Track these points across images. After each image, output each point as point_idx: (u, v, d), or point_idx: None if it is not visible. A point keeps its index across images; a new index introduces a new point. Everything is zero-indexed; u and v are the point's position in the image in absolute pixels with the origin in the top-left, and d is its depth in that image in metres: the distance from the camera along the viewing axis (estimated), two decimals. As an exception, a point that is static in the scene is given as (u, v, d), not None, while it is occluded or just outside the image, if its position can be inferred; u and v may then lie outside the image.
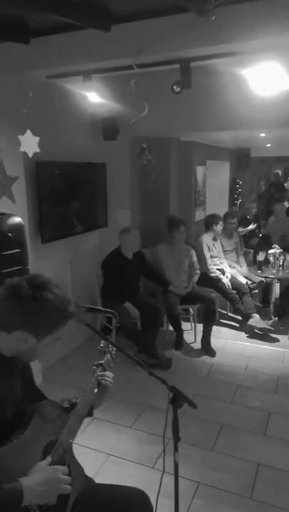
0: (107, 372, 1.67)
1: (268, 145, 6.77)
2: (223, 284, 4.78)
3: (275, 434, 2.97)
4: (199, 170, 5.48)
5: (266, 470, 2.61)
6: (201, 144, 5.50)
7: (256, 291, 5.38)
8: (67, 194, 4.07)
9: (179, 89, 2.45)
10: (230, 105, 3.29)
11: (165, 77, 2.79)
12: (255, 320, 4.67)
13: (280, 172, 15.80)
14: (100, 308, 1.67)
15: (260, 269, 5.01)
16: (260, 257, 5.02)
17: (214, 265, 4.98)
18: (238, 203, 7.61)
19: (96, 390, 1.59)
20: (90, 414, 1.60)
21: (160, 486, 1.68)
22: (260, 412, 3.24)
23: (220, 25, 2.05)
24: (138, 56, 2.27)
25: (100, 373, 1.60)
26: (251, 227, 6.86)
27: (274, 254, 5.00)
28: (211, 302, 4.36)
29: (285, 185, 14.03)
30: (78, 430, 1.44)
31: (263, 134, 4.79)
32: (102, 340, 1.75)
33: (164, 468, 1.79)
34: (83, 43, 2.48)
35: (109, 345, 1.74)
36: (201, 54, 2.30)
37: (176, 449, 1.81)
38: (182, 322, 4.44)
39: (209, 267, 4.85)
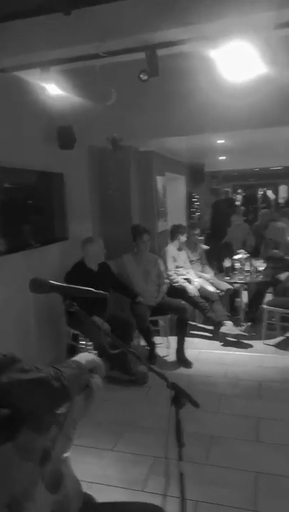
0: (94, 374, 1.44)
1: (222, 158, 6.93)
2: (193, 295, 4.66)
3: (268, 440, 2.79)
4: (159, 180, 5.43)
5: (266, 478, 2.40)
6: (160, 155, 5.47)
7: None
8: (22, 204, 3.79)
9: (146, 77, 2.35)
10: (192, 107, 3.22)
11: (122, 80, 2.70)
12: (228, 327, 4.56)
13: (229, 190, 16.48)
14: (87, 288, 1.42)
15: (227, 275, 4.95)
16: (227, 263, 4.97)
17: (180, 275, 4.88)
18: (196, 216, 7.67)
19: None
20: None
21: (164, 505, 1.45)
22: (248, 419, 3.05)
23: (186, 4, 1.98)
24: (102, 41, 2.15)
25: None
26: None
27: (240, 260, 4.98)
28: (183, 311, 4.19)
29: (237, 203, 14.59)
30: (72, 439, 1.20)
31: (221, 141, 4.84)
32: (83, 337, 1.52)
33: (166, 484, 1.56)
34: (41, 29, 2.32)
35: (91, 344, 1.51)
36: (167, 39, 2.22)
37: (180, 458, 1.58)
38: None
39: (171, 278, 4.73)
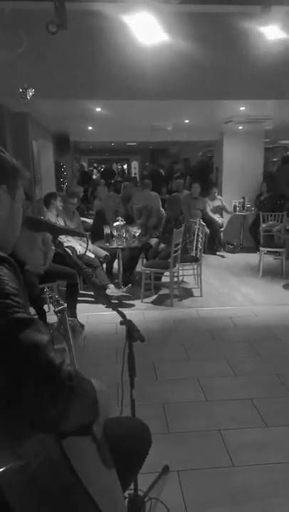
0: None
1: (90, 128, 6.97)
2: (76, 259, 4.76)
3: (165, 377, 3.21)
4: (34, 145, 5.21)
5: (171, 407, 2.80)
6: (33, 118, 5.23)
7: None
8: None
9: (54, 29, 2.28)
10: (94, 70, 3.15)
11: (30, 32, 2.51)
12: (111, 290, 4.84)
13: (85, 164, 16.66)
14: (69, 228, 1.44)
15: (108, 241, 5.18)
16: (107, 230, 5.19)
17: (64, 243, 4.91)
18: (65, 186, 7.62)
19: None
20: None
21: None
22: (145, 364, 3.41)
23: None
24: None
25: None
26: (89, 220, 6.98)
27: (118, 227, 5.26)
28: (73, 275, 4.28)
29: (94, 176, 14.90)
30: None
31: (98, 109, 4.90)
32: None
33: (121, 409, 1.76)
34: None
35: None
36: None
37: (132, 386, 1.78)
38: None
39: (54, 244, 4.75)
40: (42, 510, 0.80)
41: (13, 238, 1.03)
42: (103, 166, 16.25)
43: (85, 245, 5.29)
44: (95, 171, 17.03)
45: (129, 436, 1.41)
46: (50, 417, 0.70)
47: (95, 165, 16.55)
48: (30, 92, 2.81)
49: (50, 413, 0.70)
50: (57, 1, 2.22)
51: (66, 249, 4.77)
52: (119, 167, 15.89)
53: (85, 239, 5.47)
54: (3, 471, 0.78)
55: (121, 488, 1.15)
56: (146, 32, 2.45)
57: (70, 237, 5.08)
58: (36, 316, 4.17)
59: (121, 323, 1.65)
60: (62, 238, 4.95)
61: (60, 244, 1.36)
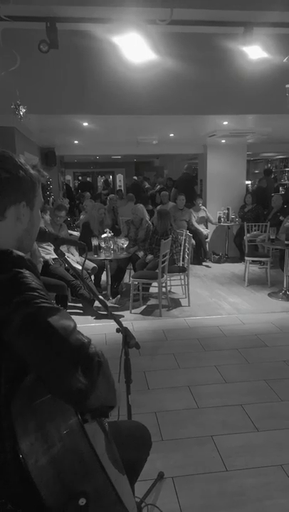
0: None
1: (76, 142, 7.06)
2: (65, 272, 4.78)
3: (156, 386, 3.24)
4: (22, 159, 5.25)
5: (163, 414, 2.83)
6: (19, 132, 5.28)
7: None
8: None
9: (46, 48, 2.35)
10: (83, 87, 3.26)
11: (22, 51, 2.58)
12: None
13: (69, 177, 16.72)
14: (70, 239, 1.50)
15: (96, 253, 5.22)
16: (95, 242, 5.24)
17: (47, 254, 4.92)
18: (51, 199, 7.65)
19: None
20: None
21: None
22: (137, 374, 3.40)
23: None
24: (4, 3, 2.07)
25: None
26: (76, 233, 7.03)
27: (106, 239, 5.32)
28: (62, 287, 4.30)
29: (80, 190, 14.96)
30: None
31: (85, 123, 4.99)
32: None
33: (118, 415, 1.78)
34: None
35: None
36: (68, 14, 2.29)
37: (128, 392, 1.82)
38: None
39: (44, 257, 4.77)
40: (62, 491, 0.85)
41: (32, 241, 1.13)
42: (80, 178, 16.34)
43: (72, 257, 5.33)
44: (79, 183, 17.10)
45: (131, 440, 1.45)
46: (83, 385, 0.80)
47: (80, 178, 16.63)
48: (23, 109, 2.88)
49: (82, 382, 0.80)
50: (48, 21, 2.32)
51: (51, 260, 4.81)
52: (102, 179, 16.00)
53: (73, 251, 5.52)
54: (30, 450, 0.85)
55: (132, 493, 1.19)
56: (135, 51, 2.56)
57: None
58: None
59: (117, 330, 1.70)
60: (50, 250, 4.97)
61: (62, 253, 1.41)
